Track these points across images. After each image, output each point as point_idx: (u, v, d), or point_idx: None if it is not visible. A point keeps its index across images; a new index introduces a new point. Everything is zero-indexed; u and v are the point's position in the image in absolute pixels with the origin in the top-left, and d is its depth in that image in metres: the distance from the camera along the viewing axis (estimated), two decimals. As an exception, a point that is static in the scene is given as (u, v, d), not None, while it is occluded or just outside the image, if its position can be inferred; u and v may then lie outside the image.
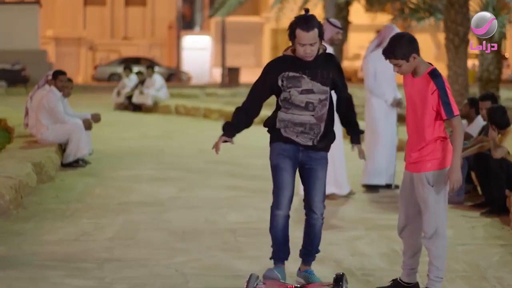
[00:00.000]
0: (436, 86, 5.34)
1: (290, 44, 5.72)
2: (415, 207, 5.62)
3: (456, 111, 5.38)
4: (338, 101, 5.95)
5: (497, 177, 8.46)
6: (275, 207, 5.80)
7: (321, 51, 5.72)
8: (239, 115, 5.82)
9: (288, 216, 5.85)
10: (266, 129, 5.89)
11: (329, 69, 5.73)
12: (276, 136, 5.81)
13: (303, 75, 5.68)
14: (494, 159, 8.45)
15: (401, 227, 5.73)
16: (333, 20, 9.54)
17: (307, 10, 5.69)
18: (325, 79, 5.70)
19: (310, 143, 5.74)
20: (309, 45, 5.57)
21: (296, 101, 5.69)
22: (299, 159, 5.79)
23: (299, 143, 5.74)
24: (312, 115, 5.70)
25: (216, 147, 5.80)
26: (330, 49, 9.31)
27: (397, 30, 9.82)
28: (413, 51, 5.39)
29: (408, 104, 5.54)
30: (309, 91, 5.68)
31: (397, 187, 9.98)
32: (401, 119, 10.37)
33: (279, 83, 5.72)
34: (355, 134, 5.99)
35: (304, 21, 5.56)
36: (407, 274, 5.75)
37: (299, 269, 6.00)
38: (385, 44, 9.76)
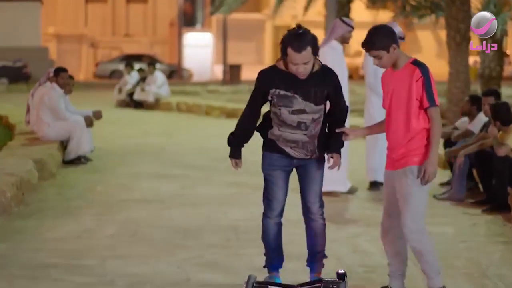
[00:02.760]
0: (422, 73, 5.24)
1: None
2: (398, 208, 5.39)
3: (437, 101, 5.28)
4: (329, 111, 5.64)
5: (500, 175, 8.46)
6: (265, 215, 5.72)
7: (316, 67, 5.44)
8: (241, 136, 5.64)
9: (280, 224, 5.74)
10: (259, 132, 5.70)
11: (324, 86, 5.45)
12: (269, 146, 5.61)
13: (295, 95, 5.40)
14: (497, 157, 8.44)
15: (384, 230, 5.52)
16: (346, 18, 9.53)
17: (299, 26, 5.36)
18: (318, 97, 5.44)
19: (304, 157, 5.57)
20: (302, 64, 5.31)
21: (287, 120, 5.46)
22: (294, 165, 5.64)
23: (293, 157, 5.57)
24: (305, 134, 5.50)
25: (235, 167, 5.73)
26: (340, 47, 9.32)
27: (398, 27, 9.80)
28: (393, 41, 5.28)
29: (391, 100, 5.37)
30: (301, 111, 5.43)
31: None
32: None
33: (269, 98, 5.50)
34: (335, 144, 5.61)
35: (296, 40, 5.26)
36: (396, 278, 5.56)
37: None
38: None
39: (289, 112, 5.45)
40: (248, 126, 5.65)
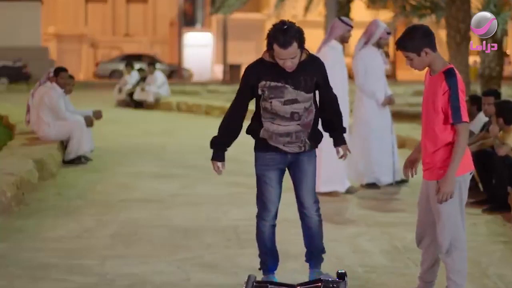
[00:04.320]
0: (448, 86, 5.02)
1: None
2: (432, 217, 5.24)
3: (464, 117, 4.99)
4: (320, 104, 5.63)
5: (500, 174, 8.46)
6: (260, 217, 5.67)
7: (304, 56, 5.42)
8: (225, 135, 5.58)
9: (274, 226, 5.71)
10: (250, 135, 5.65)
11: (312, 74, 5.45)
12: (262, 145, 5.56)
13: (286, 85, 5.38)
14: (497, 156, 8.45)
15: (418, 237, 5.39)
16: (344, 18, 9.52)
17: (283, 22, 5.31)
18: (308, 85, 5.43)
19: (298, 150, 5.53)
20: (289, 59, 5.29)
21: (280, 112, 5.41)
22: (287, 162, 5.59)
23: (287, 152, 5.53)
24: (298, 124, 5.47)
25: (218, 171, 5.64)
26: (340, 47, 9.32)
27: (382, 24, 9.85)
28: (426, 45, 5.06)
29: (423, 105, 5.22)
30: (294, 101, 5.40)
31: (398, 183, 9.97)
32: (395, 116, 10.34)
33: (259, 92, 5.45)
34: (339, 136, 5.70)
35: (281, 35, 5.22)
36: (423, 286, 5.44)
37: (309, 276, 5.82)
38: (373, 40, 9.80)
39: (282, 103, 5.42)
40: (234, 124, 5.57)
